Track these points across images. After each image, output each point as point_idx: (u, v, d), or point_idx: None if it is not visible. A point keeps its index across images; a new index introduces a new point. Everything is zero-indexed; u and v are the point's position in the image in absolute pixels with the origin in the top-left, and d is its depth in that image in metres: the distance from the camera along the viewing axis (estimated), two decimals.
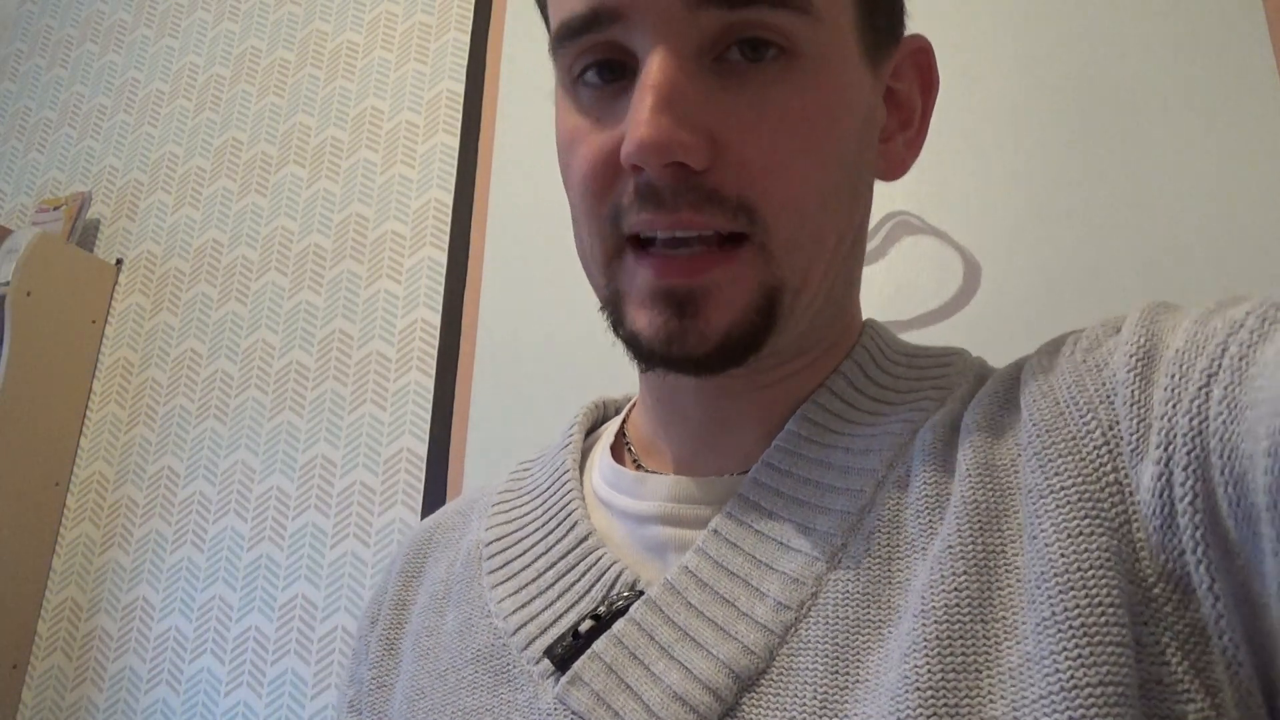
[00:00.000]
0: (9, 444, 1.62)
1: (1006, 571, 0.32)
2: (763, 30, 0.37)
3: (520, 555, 0.47)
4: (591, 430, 0.54)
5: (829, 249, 0.40)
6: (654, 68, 0.36)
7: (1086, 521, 0.30)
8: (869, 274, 1.15)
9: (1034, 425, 0.35)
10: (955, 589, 0.33)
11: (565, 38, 0.40)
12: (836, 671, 0.34)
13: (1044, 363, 0.39)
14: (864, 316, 0.48)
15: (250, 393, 1.58)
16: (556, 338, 1.34)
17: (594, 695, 0.38)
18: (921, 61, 0.47)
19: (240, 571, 1.48)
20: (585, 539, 0.44)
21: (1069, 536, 0.30)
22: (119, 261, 1.84)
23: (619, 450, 0.49)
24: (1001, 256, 1.12)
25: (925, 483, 0.37)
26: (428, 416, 1.41)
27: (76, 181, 1.96)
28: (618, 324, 0.41)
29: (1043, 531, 0.31)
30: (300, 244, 1.64)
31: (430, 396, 1.42)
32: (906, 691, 0.31)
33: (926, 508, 0.37)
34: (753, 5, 0.36)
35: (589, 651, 0.39)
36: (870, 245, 1.17)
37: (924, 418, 0.41)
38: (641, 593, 0.40)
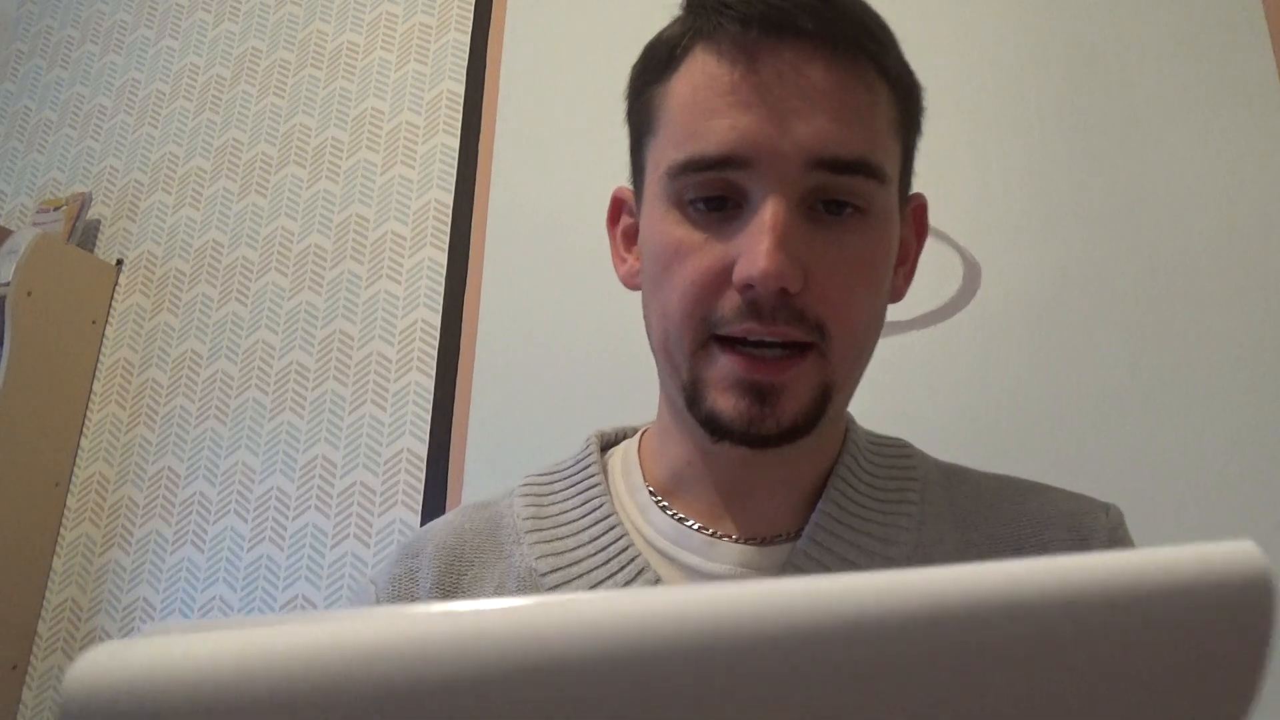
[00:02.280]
0: (9, 444, 1.62)
1: None
2: (849, 195, 0.47)
3: None
4: None
5: (864, 359, 0.51)
6: (771, 212, 0.46)
7: None
8: None
9: None
10: None
11: (693, 169, 0.48)
12: None
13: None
14: None
15: (250, 393, 1.58)
16: (557, 338, 1.34)
17: None
18: (919, 215, 0.58)
19: (240, 572, 1.48)
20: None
21: None
22: (119, 262, 1.84)
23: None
24: (1001, 256, 1.12)
25: None
26: (428, 417, 1.41)
27: (77, 182, 1.96)
28: (695, 402, 0.49)
29: None
30: (300, 244, 1.64)
31: (430, 397, 1.42)
32: None
33: None
34: (852, 174, 0.47)
35: None
36: None
37: (918, 512, 0.53)
38: None
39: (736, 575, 0.50)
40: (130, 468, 1.66)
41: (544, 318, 1.37)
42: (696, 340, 0.48)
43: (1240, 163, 1.04)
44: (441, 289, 1.47)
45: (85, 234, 1.88)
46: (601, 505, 0.55)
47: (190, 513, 1.56)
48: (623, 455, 0.59)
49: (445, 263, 1.48)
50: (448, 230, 1.50)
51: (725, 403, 0.47)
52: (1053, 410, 1.04)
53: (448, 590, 0.55)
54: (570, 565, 0.53)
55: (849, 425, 0.57)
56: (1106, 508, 0.53)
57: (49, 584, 1.65)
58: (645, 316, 0.53)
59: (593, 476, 0.57)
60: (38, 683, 1.59)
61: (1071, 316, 1.06)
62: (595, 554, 0.53)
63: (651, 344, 0.53)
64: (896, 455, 0.56)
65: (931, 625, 0.20)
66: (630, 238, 0.57)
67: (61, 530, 1.68)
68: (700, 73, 0.48)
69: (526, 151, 1.48)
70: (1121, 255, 1.07)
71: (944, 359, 1.10)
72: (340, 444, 1.47)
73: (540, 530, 0.55)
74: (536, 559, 0.54)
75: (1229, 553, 0.21)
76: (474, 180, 1.50)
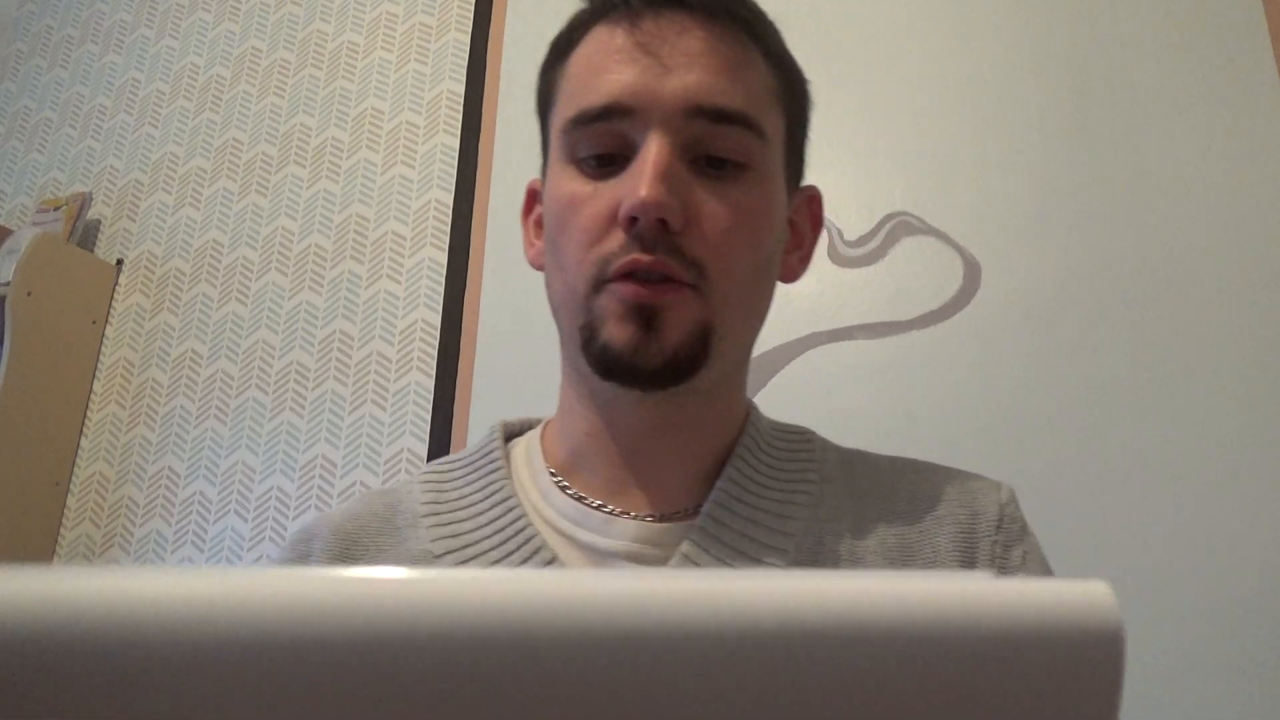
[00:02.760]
0: (9, 444, 1.62)
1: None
2: (728, 150, 0.51)
3: None
4: None
5: (745, 312, 0.53)
6: (654, 149, 0.49)
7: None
8: (870, 274, 1.16)
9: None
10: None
11: (582, 122, 0.51)
12: None
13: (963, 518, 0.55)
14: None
15: (250, 393, 1.58)
16: (556, 338, 1.34)
17: None
18: (814, 206, 0.61)
19: None
20: (551, 565, 0.51)
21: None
22: (119, 262, 1.84)
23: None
24: (1001, 256, 1.12)
25: (839, 561, 0.52)
26: (428, 417, 1.41)
27: (77, 182, 1.96)
28: (590, 342, 0.50)
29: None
30: (300, 244, 1.64)
31: (430, 397, 1.42)
32: None
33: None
34: (730, 124, 0.50)
35: None
36: (870, 245, 1.17)
37: (816, 491, 0.55)
38: None
39: (634, 551, 0.51)
40: (130, 468, 1.66)
41: (544, 318, 1.36)
42: (591, 285, 0.50)
43: (1240, 162, 1.04)
44: (441, 289, 1.47)
45: (85, 234, 1.88)
46: (501, 489, 0.55)
47: (190, 513, 1.56)
48: (526, 443, 0.60)
49: (445, 262, 1.48)
50: (448, 230, 1.50)
51: (615, 330, 0.49)
52: (1053, 410, 1.04)
53: None
54: (466, 547, 0.53)
55: (751, 411, 0.58)
56: (999, 485, 0.56)
57: None
58: (548, 285, 0.56)
59: (494, 462, 0.57)
60: None
61: (1071, 316, 1.06)
62: (492, 535, 0.53)
63: (553, 307, 0.55)
64: (798, 440, 0.58)
65: (749, 638, 0.20)
66: (540, 225, 0.59)
67: (61, 530, 1.68)
68: (593, 43, 0.53)
69: (526, 151, 1.48)
70: (1121, 255, 1.07)
71: (944, 359, 1.10)
72: (340, 444, 1.47)
73: (437, 514, 0.55)
74: (432, 541, 0.54)
75: (1080, 596, 0.20)
76: (474, 180, 1.50)
